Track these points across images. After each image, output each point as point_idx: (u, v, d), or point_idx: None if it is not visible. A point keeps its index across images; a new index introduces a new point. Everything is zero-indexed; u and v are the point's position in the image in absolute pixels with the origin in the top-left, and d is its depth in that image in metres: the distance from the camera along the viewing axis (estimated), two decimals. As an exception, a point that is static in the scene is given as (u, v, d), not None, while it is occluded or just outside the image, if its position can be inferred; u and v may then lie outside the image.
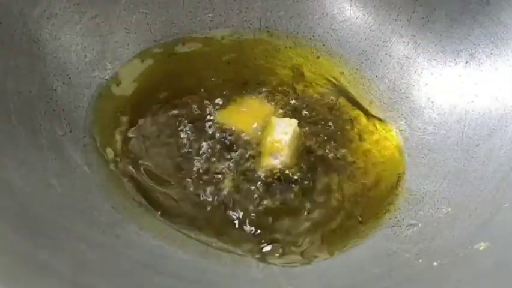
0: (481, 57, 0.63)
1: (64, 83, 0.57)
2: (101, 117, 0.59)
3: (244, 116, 0.62)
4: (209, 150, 0.58)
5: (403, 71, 0.68)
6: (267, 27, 0.72)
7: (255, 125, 0.61)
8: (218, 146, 0.59)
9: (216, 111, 0.62)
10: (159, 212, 0.52)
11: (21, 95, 0.52)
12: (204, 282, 0.46)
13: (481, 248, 0.46)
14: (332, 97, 0.67)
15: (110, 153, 0.56)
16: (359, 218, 0.55)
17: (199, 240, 0.51)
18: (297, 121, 0.60)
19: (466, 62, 0.64)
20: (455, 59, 0.65)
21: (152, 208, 0.53)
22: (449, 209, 0.54)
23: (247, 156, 0.58)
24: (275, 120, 0.60)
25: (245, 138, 0.59)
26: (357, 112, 0.66)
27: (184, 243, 0.50)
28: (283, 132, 0.58)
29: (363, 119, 0.65)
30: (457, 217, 0.52)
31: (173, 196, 0.54)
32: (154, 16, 0.67)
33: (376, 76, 0.69)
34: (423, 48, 0.67)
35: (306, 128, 0.62)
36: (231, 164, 0.57)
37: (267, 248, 0.52)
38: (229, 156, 0.58)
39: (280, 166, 0.57)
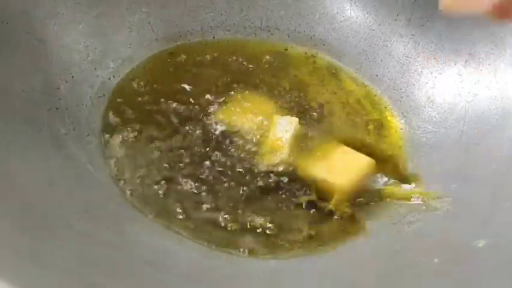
0: (480, 57, 0.63)
1: (67, 82, 0.58)
2: (103, 116, 0.59)
3: (246, 114, 0.62)
4: (208, 149, 0.58)
5: (403, 70, 0.69)
6: (267, 26, 0.73)
7: (257, 122, 0.61)
8: (218, 145, 0.59)
9: (217, 109, 0.62)
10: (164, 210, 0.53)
11: (26, 93, 0.52)
12: (209, 281, 0.46)
13: (480, 245, 0.47)
14: (332, 96, 0.67)
15: (112, 151, 0.57)
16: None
17: (202, 239, 0.51)
18: (297, 119, 0.61)
19: (466, 61, 0.64)
20: (454, 58, 0.66)
21: (154, 207, 0.53)
22: (449, 207, 0.54)
23: (247, 154, 0.58)
24: (276, 118, 0.61)
25: (246, 136, 0.60)
26: (358, 111, 0.66)
27: (189, 241, 0.50)
28: (284, 130, 0.59)
29: (364, 118, 0.65)
30: (456, 215, 0.53)
31: (173, 195, 0.54)
32: (155, 15, 0.68)
33: (376, 75, 0.70)
34: (423, 47, 0.68)
35: (309, 125, 0.63)
36: (231, 163, 0.58)
37: (268, 244, 0.52)
38: (229, 154, 0.58)
39: (280, 164, 0.57)
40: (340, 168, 0.57)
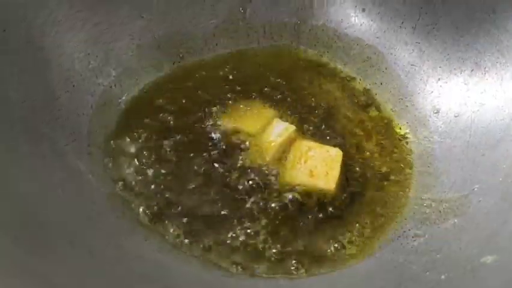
0: (486, 66, 0.62)
1: (67, 91, 0.57)
2: (105, 125, 0.58)
3: (248, 119, 0.62)
4: (211, 157, 0.58)
5: (408, 79, 0.68)
6: (271, 33, 0.72)
7: (258, 128, 0.61)
8: (221, 149, 0.59)
9: (219, 115, 0.62)
10: (163, 223, 0.52)
11: (25, 103, 0.51)
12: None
13: (488, 261, 0.46)
14: (336, 104, 0.66)
15: (112, 162, 0.56)
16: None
17: (201, 252, 0.50)
18: (294, 127, 0.60)
19: (472, 70, 0.64)
20: (460, 67, 0.65)
21: (155, 218, 0.52)
22: (456, 220, 0.53)
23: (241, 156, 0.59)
24: (275, 121, 0.61)
25: (247, 140, 0.60)
26: (361, 120, 0.65)
27: (186, 255, 0.50)
28: (278, 135, 0.59)
29: (367, 127, 0.65)
30: (463, 228, 0.52)
31: (173, 207, 0.54)
32: (157, 23, 0.67)
33: (381, 83, 0.69)
34: (428, 55, 0.67)
35: (312, 132, 0.62)
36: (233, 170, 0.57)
37: (270, 260, 0.51)
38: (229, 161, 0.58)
39: (263, 165, 0.58)
40: (320, 169, 0.57)
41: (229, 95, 0.64)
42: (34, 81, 0.53)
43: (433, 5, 0.66)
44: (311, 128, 0.63)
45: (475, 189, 0.55)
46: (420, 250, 0.52)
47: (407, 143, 0.64)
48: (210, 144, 0.59)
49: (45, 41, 0.56)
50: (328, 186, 0.56)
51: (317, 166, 0.57)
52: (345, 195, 0.57)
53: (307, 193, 0.56)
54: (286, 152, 0.59)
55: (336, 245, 0.53)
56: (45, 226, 0.44)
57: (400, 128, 0.65)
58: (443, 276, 0.46)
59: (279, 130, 0.60)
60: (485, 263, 0.46)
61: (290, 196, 0.56)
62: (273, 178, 0.57)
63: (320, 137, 0.62)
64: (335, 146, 0.60)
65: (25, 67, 0.53)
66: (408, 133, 0.65)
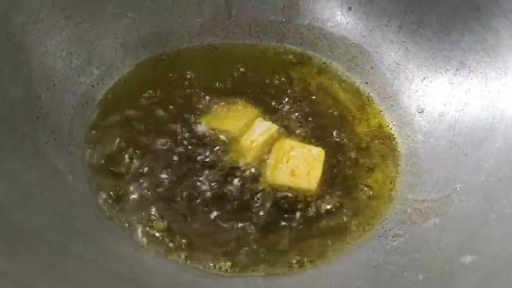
0: (471, 65, 0.62)
1: (48, 90, 0.56)
2: (86, 124, 0.58)
3: (230, 118, 0.62)
4: (193, 153, 0.58)
5: (393, 78, 0.68)
6: (256, 31, 0.72)
7: (240, 127, 0.61)
8: (203, 148, 0.58)
9: (202, 114, 0.62)
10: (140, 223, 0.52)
11: (4, 102, 0.51)
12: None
13: (467, 262, 0.45)
14: (321, 103, 0.66)
15: (94, 161, 0.56)
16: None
17: (180, 252, 0.50)
18: (277, 127, 0.61)
19: (457, 69, 0.63)
20: (445, 66, 0.64)
21: (133, 217, 0.52)
22: (436, 219, 0.53)
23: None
24: (258, 121, 0.61)
25: (229, 140, 0.59)
26: (346, 118, 0.65)
27: (166, 255, 0.50)
28: (260, 134, 0.60)
29: (351, 126, 0.64)
30: (444, 228, 0.52)
31: (155, 203, 0.54)
32: (142, 21, 0.67)
33: (366, 83, 0.69)
34: (414, 54, 0.67)
35: (295, 132, 0.62)
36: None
37: (251, 259, 0.51)
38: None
39: (244, 164, 0.57)
40: (302, 169, 0.57)
41: (212, 94, 0.64)
42: (14, 79, 0.53)
43: (419, 3, 0.66)
44: (294, 127, 0.62)
45: (457, 188, 0.55)
46: (400, 250, 0.52)
47: (393, 144, 0.63)
48: (191, 143, 0.59)
49: (26, 39, 0.56)
50: (310, 186, 0.56)
51: (299, 166, 0.57)
52: (326, 194, 0.56)
53: (289, 193, 0.56)
54: (268, 151, 0.59)
55: (318, 244, 0.53)
56: (20, 225, 0.43)
57: (386, 127, 0.65)
58: (420, 276, 0.46)
59: (262, 130, 0.60)
60: (463, 263, 0.46)
61: (272, 196, 0.56)
62: (255, 178, 0.57)
63: (303, 136, 0.62)
64: (318, 145, 0.60)
65: (5, 65, 0.52)
66: (393, 132, 0.64)
